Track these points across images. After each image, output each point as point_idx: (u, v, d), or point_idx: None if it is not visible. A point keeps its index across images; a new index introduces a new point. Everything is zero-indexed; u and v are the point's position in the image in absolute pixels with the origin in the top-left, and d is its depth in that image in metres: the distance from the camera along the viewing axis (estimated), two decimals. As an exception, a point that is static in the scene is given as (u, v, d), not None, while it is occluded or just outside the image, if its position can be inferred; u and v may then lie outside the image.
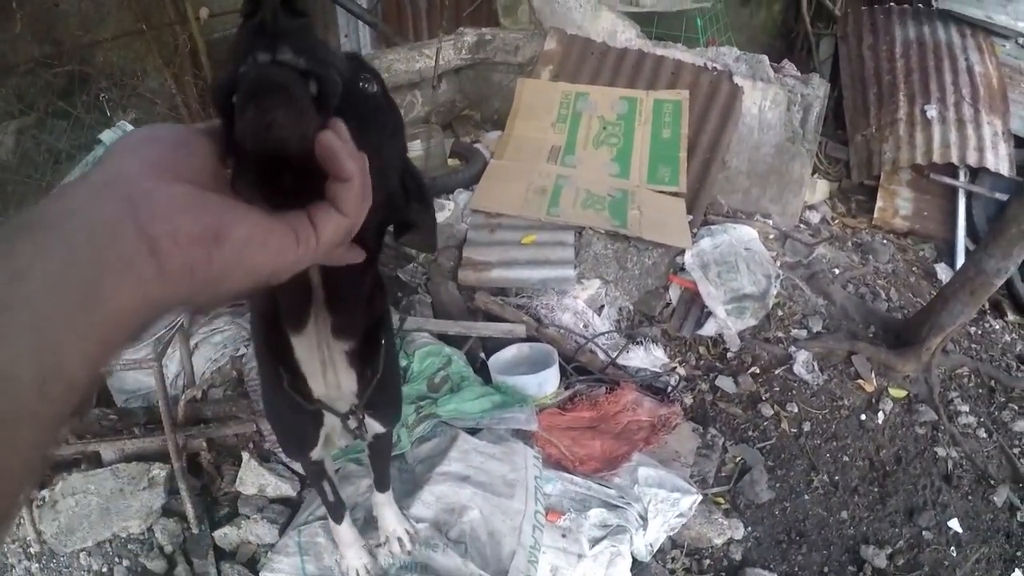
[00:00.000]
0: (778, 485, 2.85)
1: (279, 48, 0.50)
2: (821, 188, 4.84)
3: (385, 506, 1.98)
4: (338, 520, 1.91)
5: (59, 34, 3.60)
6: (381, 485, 1.93)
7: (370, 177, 0.58)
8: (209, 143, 0.54)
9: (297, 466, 2.34)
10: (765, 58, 4.38)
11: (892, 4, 5.61)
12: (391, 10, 5.29)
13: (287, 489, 2.33)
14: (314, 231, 0.53)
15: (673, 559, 2.52)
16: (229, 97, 0.52)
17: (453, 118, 4.32)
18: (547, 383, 2.73)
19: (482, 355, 2.87)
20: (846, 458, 3.01)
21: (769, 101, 4.22)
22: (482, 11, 4.84)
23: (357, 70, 0.72)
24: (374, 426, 1.41)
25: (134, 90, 3.83)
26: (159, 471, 2.30)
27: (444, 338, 2.82)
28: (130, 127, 2.20)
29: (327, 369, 1.15)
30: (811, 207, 4.69)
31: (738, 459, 2.89)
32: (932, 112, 4.76)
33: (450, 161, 3.94)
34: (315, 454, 1.49)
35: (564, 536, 2.26)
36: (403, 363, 2.63)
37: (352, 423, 1.28)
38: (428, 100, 4.34)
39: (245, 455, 2.34)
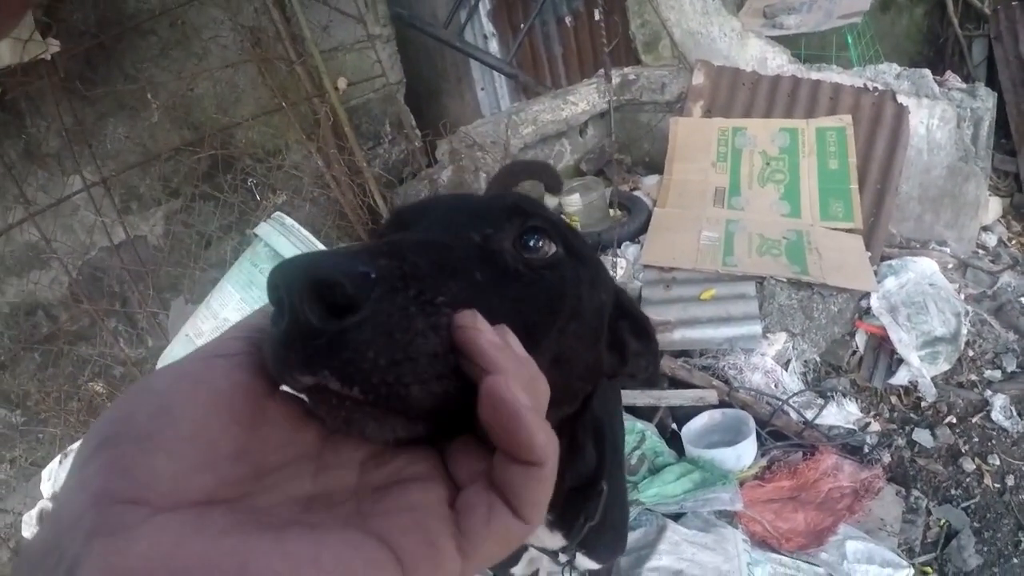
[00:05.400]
0: (986, 548, 2.65)
1: (319, 371, 0.36)
2: (994, 206, 4.49)
3: None
4: None
5: (197, 118, 3.65)
6: None
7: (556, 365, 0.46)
8: (235, 374, 0.37)
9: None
10: (928, 72, 4.10)
11: (1047, -6, 5.14)
12: (526, 58, 5.29)
13: (486, 589, 2.29)
14: (456, 546, 0.35)
15: (885, 636, 2.39)
16: None
17: (604, 164, 4.23)
18: (745, 455, 2.63)
19: (673, 425, 2.79)
20: (1052, 513, 2.79)
21: (937, 119, 3.94)
22: (620, 50, 4.72)
23: (520, 231, 0.52)
24: (588, 564, 1.25)
25: (278, 167, 3.86)
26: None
27: (632, 410, 2.75)
28: (289, 220, 2.15)
29: None
30: (985, 228, 4.36)
31: (943, 522, 2.72)
32: (1108, 114, 4.36)
33: (611, 212, 3.86)
34: (517, 571, 1.40)
35: (781, 624, 2.17)
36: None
37: (562, 558, 1.11)
38: (577, 148, 4.28)
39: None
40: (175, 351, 2.20)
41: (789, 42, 4.38)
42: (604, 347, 0.69)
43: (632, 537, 2.30)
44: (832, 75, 4.12)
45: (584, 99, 4.17)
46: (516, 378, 0.36)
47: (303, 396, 0.39)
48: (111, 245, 3.41)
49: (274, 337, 0.37)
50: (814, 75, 4.12)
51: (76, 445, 2.41)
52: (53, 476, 2.36)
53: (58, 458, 2.43)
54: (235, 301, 2.10)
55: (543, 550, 1.09)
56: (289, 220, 2.12)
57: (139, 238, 3.59)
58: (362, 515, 0.35)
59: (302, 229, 2.10)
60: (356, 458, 0.39)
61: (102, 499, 0.31)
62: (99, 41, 3.28)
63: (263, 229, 2.12)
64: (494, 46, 5.41)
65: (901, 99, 3.94)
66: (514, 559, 1.26)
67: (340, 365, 0.35)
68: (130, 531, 0.30)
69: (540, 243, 0.52)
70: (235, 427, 0.35)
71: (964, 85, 4.33)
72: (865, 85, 4.04)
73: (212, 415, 0.35)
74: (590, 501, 0.96)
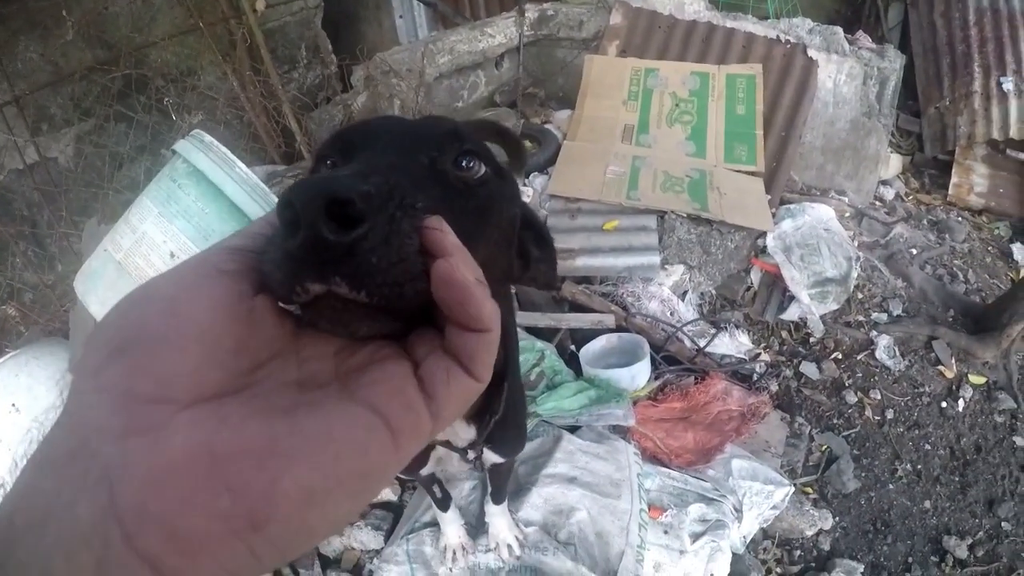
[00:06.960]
0: (864, 474, 2.83)
1: (331, 279, 0.40)
2: (894, 162, 4.68)
3: (498, 515, 1.96)
4: (444, 510, 1.90)
5: (111, 37, 3.52)
6: (497, 498, 1.90)
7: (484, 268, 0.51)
8: (229, 282, 0.40)
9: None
10: (839, 30, 4.22)
11: (965, -32, 5.33)
12: (446, -13, 5.17)
13: (388, 494, 2.31)
14: (428, 409, 0.39)
15: (765, 550, 2.53)
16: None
17: (517, 96, 4.22)
18: (639, 376, 2.68)
19: (572, 347, 2.82)
20: (928, 446, 2.97)
21: (844, 75, 4.07)
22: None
23: (458, 154, 0.59)
24: (492, 458, 1.33)
25: (193, 88, 3.77)
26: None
27: (533, 331, 2.78)
28: (208, 137, 2.09)
29: None
30: (884, 182, 4.54)
31: (824, 448, 2.88)
32: (1008, 85, 4.55)
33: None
34: (425, 471, 1.44)
35: (666, 532, 2.23)
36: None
37: (470, 455, 1.19)
38: (492, 80, 4.25)
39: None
40: (93, 266, 2.16)
41: (709, -10, 4.42)
42: (514, 253, 0.78)
43: (530, 447, 2.34)
44: (747, 24, 4.19)
45: (501, 32, 4.13)
46: (466, 265, 0.41)
47: (292, 309, 0.43)
48: (23, 167, 3.24)
49: (284, 251, 0.40)
50: (729, 23, 4.18)
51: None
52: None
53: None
54: (154, 215, 2.06)
55: (453, 447, 1.15)
56: (208, 137, 2.06)
57: (50, 160, 3.44)
58: (349, 391, 0.39)
59: (221, 147, 2.05)
60: (330, 350, 0.42)
61: (128, 401, 0.33)
62: (12, -46, 3.08)
63: (182, 146, 2.07)
64: (414, -27, 5.27)
65: (811, 53, 4.04)
66: (423, 461, 1.31)
67: (350, 271, 0.39)
68: (163, 428, 0.33)
69: (473, 164, 0.60)
70: (234, 326, 0.38)
71: (874, 45, 4.46)
72: (778, 37, 4.12)
73: (215, 317, 0.38)
74: (495, 397, 1.04)
